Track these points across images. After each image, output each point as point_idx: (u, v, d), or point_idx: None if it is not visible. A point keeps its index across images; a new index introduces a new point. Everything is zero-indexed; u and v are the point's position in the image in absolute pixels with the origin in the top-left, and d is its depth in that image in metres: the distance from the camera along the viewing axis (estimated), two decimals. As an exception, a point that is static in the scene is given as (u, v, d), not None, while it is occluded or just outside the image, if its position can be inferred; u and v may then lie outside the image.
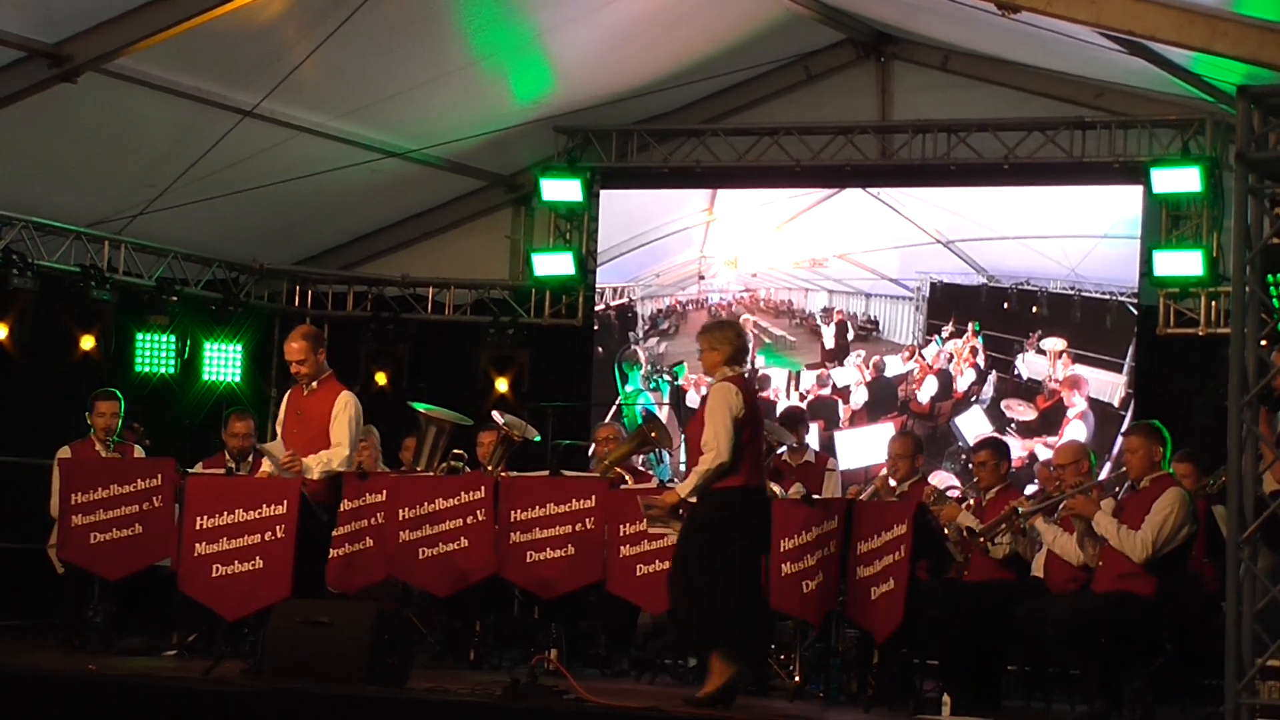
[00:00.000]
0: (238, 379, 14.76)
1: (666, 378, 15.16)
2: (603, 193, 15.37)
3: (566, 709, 9.02)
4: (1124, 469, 10.09)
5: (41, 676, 9.63)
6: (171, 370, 14.45)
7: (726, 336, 9.66)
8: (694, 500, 9.38)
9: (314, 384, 10.36)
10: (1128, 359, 13.80)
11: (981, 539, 10.28)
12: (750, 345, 10.04)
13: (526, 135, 14.99)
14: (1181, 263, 13.63)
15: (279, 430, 10.73)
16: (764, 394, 14.81)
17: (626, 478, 11.85)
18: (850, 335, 14.69)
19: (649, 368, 15.24)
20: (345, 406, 10.21)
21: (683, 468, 14.50)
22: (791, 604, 10.48)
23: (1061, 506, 10.09)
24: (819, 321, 14.77)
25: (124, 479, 11.43)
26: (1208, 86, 12.84)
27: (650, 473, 13.06)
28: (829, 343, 14.74)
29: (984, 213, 14.42)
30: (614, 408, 14.95)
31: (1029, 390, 14.07)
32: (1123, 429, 12.84)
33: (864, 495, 11.16)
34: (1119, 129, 14.06)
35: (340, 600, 11.07)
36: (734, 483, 9.31)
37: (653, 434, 11.83)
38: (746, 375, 9.84)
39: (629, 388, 15.22)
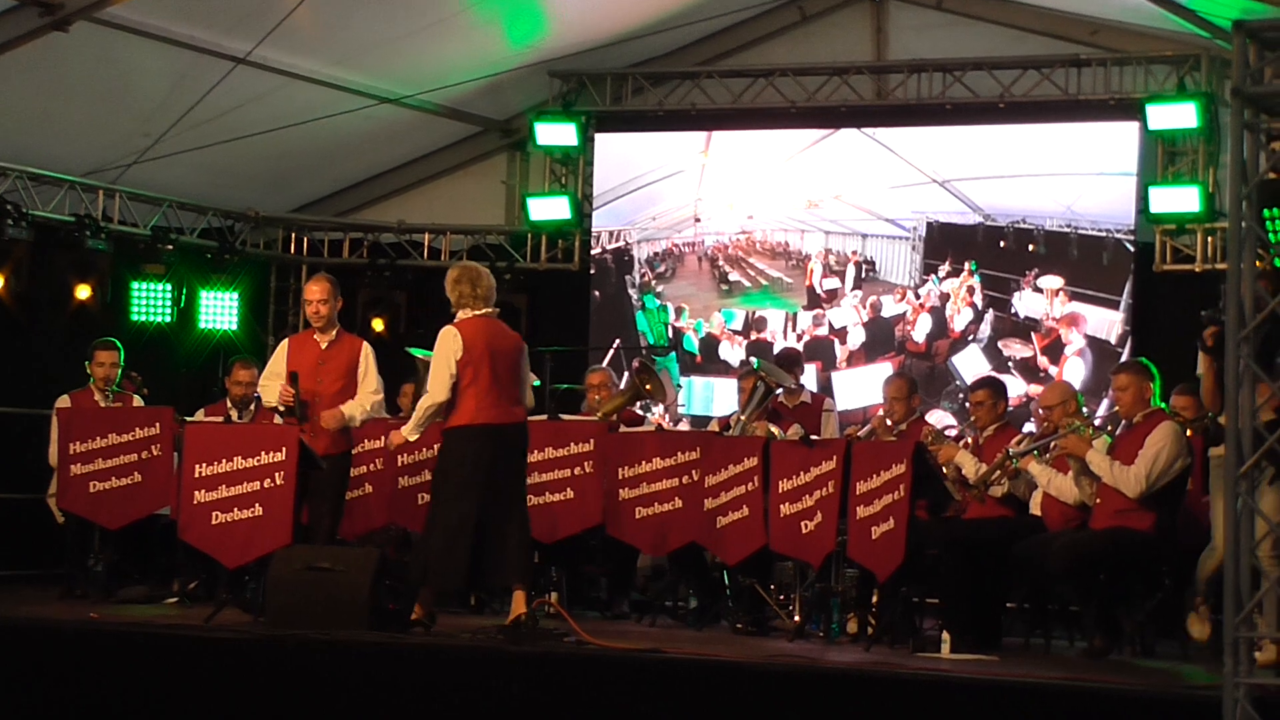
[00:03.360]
0: (234, 327, 14.75)
1: (672, 317, 15.16)
2: (598, 136, 15.32)
3: (567, 652, 9.05)
4: (1116, 409, 10.11)
5: (43, 626, 9.67)
6: (168, 319, 14.47)
7: (456, 284, 9.95)
8: (414, 439, 10.08)
9: (332, 333, 10.61)
10: (1125, 296, 13.78)
11: (976, 489, 10.29)
12: (487, 281, 10.02)
13: (521, 80, 14.94)
14: (1178, 199, 13.59)
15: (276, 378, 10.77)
16: (761, 335, 14.82)
17: (621, 426, 11.86)
18: (864, 274, 14.68)
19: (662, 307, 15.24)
20: (368, 355, 10.65)
21: (680, 410, 14.63)
22: (790, 545, 10.49)
23: (1053, 447, 10.10)
24: (813, 263, 14.75)
25: (123, 428, 11.44)
26: (1203, 21, 12.79)
27: (647, 416, 13.04)
28: (848, 286, 14.70)
29: (980, 152, 14.38)
30: (610, 352, 14.92)
31: (1026, 329, 14.06)
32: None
33: (861, 433, 11.17)
34: (1114, 66, 14.01)
35: (341, 546, 11.09)
36: (459, 421, 9.73)
37: (646, 386, 11.80)
38: (485, 314, 9.93)
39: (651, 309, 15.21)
